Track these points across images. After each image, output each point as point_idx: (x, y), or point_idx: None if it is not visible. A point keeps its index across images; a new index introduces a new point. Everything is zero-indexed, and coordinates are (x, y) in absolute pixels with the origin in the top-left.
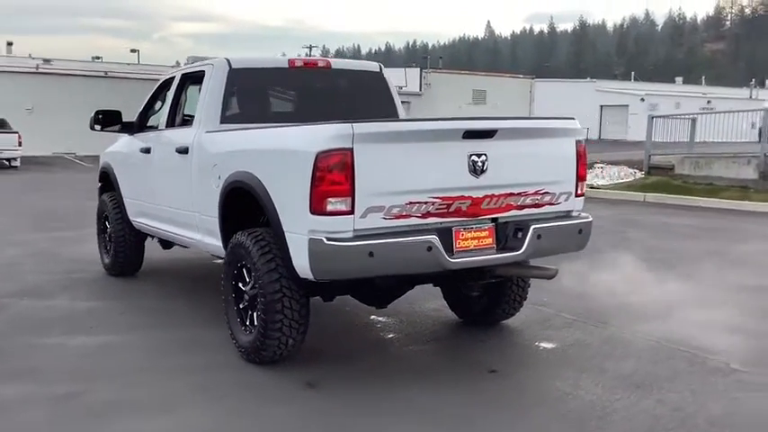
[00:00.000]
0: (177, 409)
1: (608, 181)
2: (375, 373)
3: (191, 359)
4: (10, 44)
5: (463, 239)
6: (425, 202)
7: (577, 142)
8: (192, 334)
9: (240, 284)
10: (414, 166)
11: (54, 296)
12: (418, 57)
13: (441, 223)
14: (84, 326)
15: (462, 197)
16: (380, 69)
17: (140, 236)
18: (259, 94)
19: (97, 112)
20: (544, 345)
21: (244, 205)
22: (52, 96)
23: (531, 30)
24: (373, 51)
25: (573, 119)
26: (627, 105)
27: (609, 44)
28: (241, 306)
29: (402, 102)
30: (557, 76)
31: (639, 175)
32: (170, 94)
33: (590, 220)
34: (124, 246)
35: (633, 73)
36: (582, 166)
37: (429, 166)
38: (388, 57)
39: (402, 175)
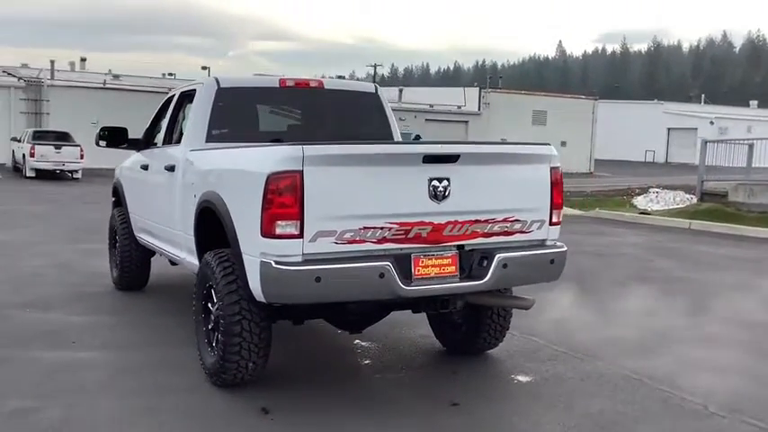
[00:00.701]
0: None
1: (662, 206)
2: (336, 402)
3: (152, 379)
4: (83, 60)
5: (423, 267)
6: (381, 228)
7: (553, 169)
8: (164, 354)
9: (209, 305)
10: (369, 190)
11: (56, 309)
12: (486, 76)
13: (399, 249)
14: (68, 340)
15: (422, 223)
16: (376, 90)
17: (146, 251)
18: (247, 113)
19: (102, 129)
20: (520, 378)
21: (215, 225)
22: (118, 111)
23: (604, 50)
24: (442, 70)
25: (548, 144)
26: (695, 128)
27: (684, 65)
28: (210, 327)
29: (459, 121)
30: (628, 98)
31: (694, 201)
32: (169, 112)
33: (564, 250)
34: (130, 261)
35: (703, 95)
36: (557, 193)
37: (386, 190)
38: (456, 76)
39: (356, 199)
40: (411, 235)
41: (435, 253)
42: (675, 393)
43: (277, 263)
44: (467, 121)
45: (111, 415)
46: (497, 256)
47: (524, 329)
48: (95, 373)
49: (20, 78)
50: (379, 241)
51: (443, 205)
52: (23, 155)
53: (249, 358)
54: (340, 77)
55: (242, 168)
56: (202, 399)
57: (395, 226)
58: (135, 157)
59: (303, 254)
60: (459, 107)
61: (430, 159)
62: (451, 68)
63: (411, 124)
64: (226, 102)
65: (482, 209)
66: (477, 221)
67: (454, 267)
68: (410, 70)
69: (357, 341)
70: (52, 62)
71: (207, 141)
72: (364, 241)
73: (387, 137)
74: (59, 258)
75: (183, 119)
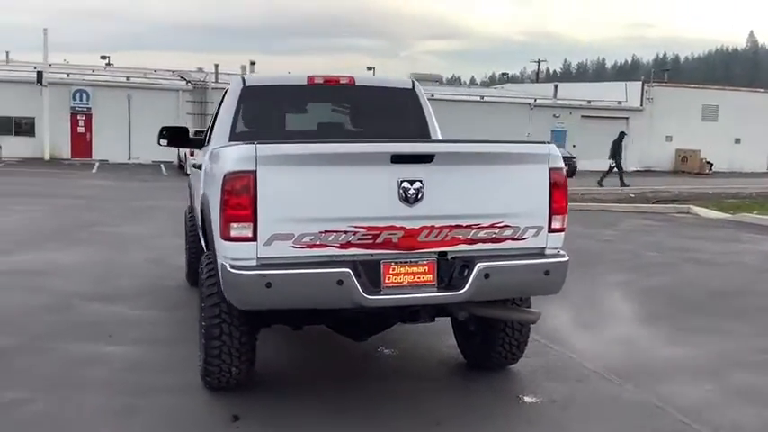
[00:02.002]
0: (84, 429)
1: None
2: (312, 414)
3: (151, 378)
4: (253, 63)
5: (394, 274)
6: (345, 232)
7: (552, 170)
8: (184, 352)
9: None
10: (331, 192)
11: (121, 301)
12: (664, 70)
13: (369, 255)
14: (106, 334)
15: (392, 227)
16: (413, 86)
17: None
18: (274, 112)
19: (162, 129)
20: (527, 398)
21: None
22: None
23: None
24: (618, 64)
25: (545, 143)
26: None
27: None
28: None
29: (618, 118)
30: None
31: None
32: (215, 112)
33: (563, 260)
34: (194, 256)
35: None
36: (559, 197)
37: (350, 192)
38: (633, 70)
39: (316, 201)
40: (380, 240)
41: (409, 260)
42: (695, 427)
43: (232, 266)
44: (627, 118)
45: (90, 413)
46: (478, 264)
47: (567, 345)
48: (105, 368)
49: (188, 81)
50: (343, 246)
51: (416, 209)
52: (184, 153)
53: (231, 362)
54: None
55: (213, 168)
56: (185, 401)
57: (361, 230)
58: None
59: (257, 258)
60: (620, 103)
61: (399, 159)
62: (629, 62)
63: (566, 121)
64: (251, 100)
65: (464, 213)
66: (458, 227)
67: (431, 276)
68: (584, 65)
69: (381, 348)
70: (216, 66)
71: (230, 140)
72: (326, 246)
73: (423, 135)
74: (160, 252)
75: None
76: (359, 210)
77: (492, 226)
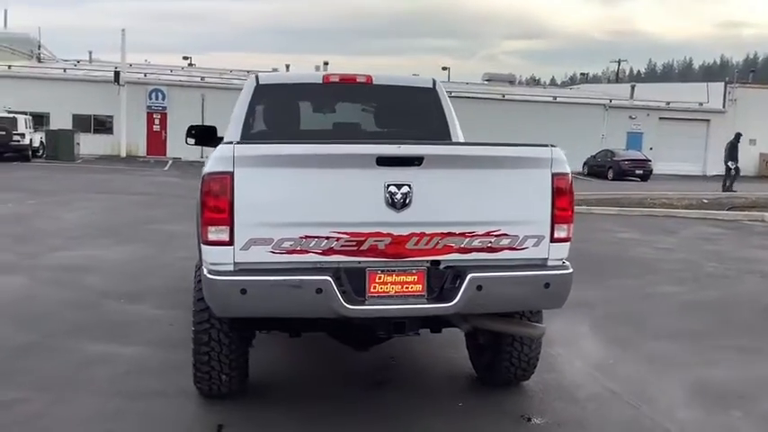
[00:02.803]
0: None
1: None
2: (299, 427)
3: (151, 382)
4: (326, 64)
5: (380, 283)
6: (327, 238)
7: (555, 175)
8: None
9: None
10: (312, 195)
11: (147, 300)
12: (753, 70)
13: (356, 262)
14: (123, 334)
15: (378, 234)
16: (434, 85)
17: None
18: (288, 111)
19: (190, 127)
20: (533, 419)
21: None
22: None
23: None
24: (706, 64)
25: (547, 146)
26: None
27: None
28: None
29: (699, 120)
30: None
31: None
32: None
33: (566, 272)
34: None
35: None
36: (562, 203)
37: (333, 196)
38: (721, 71)
39: (296, 205)
40: (365, 247)
41: (397, 268)
42: None
43: (209, 271)
44: (708, 120)
45: (78, 416)
46: (470, 275)
47: (590, 360)
48: (109, 370)
49: None
50: (326, 252)
51: (404, 215)
52: None
53: (221, 370)
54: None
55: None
56: (176, 407)
57: (344, 236)
58: None
59: (234, 263)
60: (701, 104)
61: (385, 162)
62: (718, 62)
63: (642, 123)
64: (264, 99)
65: (456, 220)
66: (450, 234)
67: (421, 286)
68: (670, 65)
69: (390, 358)
70: (287, 66)
71: (242, 140)
72: (307, 251)
73: (443, 136)
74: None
75: None
76: (342, 215)
77: (488, 234)
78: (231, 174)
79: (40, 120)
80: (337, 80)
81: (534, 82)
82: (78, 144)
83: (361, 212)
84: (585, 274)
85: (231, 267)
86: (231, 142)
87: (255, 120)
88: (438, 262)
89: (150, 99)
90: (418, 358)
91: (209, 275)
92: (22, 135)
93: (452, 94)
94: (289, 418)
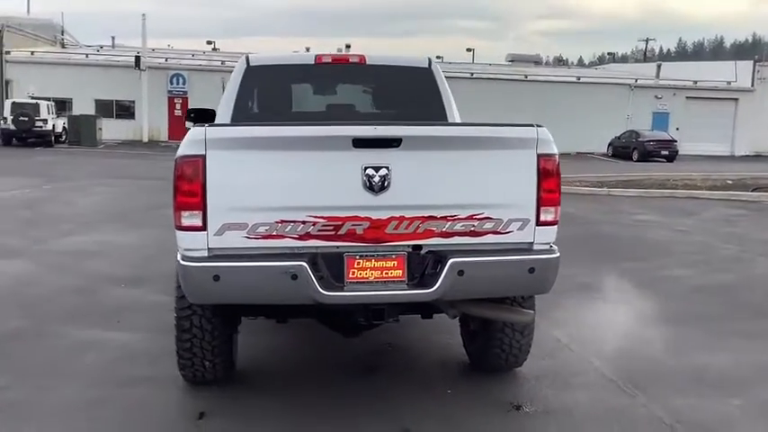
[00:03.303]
0: (47, 419)
1: None
2: (281, 413)
3: (139, 369)
4: (348, 47)
5: (359, 269)
6: (303, 222)
7: (541, 156)
8: None
9: None
10: (287, 178)
11: (147, 285)
12: None
13: (334, 247)
14: (115, 320)
15: (356, 218)
16: (429, 65)
17: None
18: (279, 93)
19: (189, 111)
20: (524, 407)
21: None
22: None
23: None
24: (738, 42)
25: (532, 125)
26: None
27: None
28: None
29: (726, 99)
30: None
31: None
32: None
33: (552, 257)
34: None
35: None
36: (549, 185)
37: (308, 179)
38: (753, 49)
39: (271, 188)
40: (343, 231)
41: (376, 254)
42: None
43: (183, 257)
44: (736, 99)
45: (60, 404)
46: (451, 260)
47: (590, 346)
48: (97, 356)
49: None
50: (302, 237)
51: (382, 198)
52: None
53: (204, 357)
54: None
55: None
56: (159, 394)
57: (321, 220)
58: None
59: (208, 248)
60: (729, 83)
61: (362, 144)
62: (750, 40)
63: (669, 103)
64: (255, 81)
65: (437, 203)
66: (431, 218)
67: (401, 272)
68: (700, 43)
69: (391, 342)
70: (307, 49)
71: (232, 123)
72: (283, 237)
73: (439, 117)
74: None
75: None
76: (319, 198)
77: (470, 218)
78: (203, 157)
79: (63, 105)
80: (330, 61)
81: (560, 62)
82: (100, 129)
83: (338, 196)
84: (597, 257)
85: (205, 253)
86: (204, 125)
87: (246, 102)
88: (419, 246)
89: (171, 84)
90: (413, 343)
91: (182, 261)
92: (45, 121)
93: (474, 75)
94: (274, 404)
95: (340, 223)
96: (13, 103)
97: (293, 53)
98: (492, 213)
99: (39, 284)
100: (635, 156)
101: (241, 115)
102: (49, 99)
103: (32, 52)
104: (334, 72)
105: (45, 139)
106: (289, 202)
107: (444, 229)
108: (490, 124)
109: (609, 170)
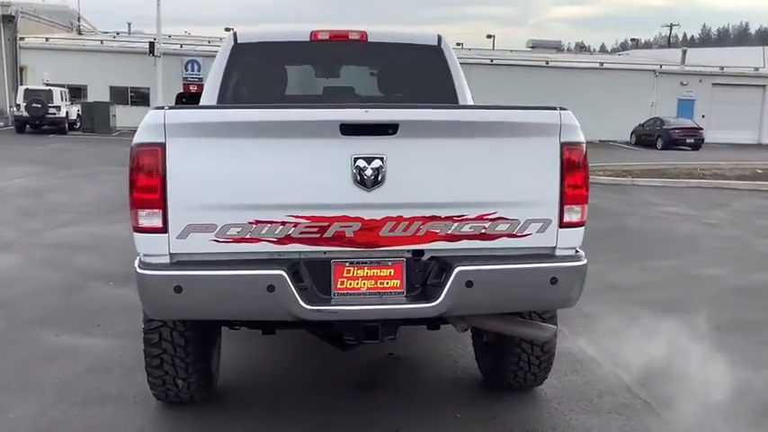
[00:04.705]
0: None
1: None
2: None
3: (109, 383)
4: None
5: (349, 278)
6: (282, 223)
7: (565, 145)
8: None
9: None
10: (264, 171)
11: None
12: None
13: (318, 253)
14: (96, 323)
15: (345, 218)
16: (439, 42)
17: None
18: (270, 74)
19: (179, 95)
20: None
21: None
22: None
23: None
24: (763, 28)
25: (554, 108)
26: None
27: None
28: None
29: (754, 86)
30: None
31: None
32: None
33: (579, 264)
34: None
35: None
36: (575, 180)
37: (289, 172)
38: None
39: (244, 183)
40: (329, 234)
41: (370, 260)
42: None
43: (140, 264)
44: (764, 86)
45: (10, 426)
46: (457, 268)
47: (622, 360)
48: (68, 367)
49: None
50: (281, 241)
51: (376, 194)
52: None
53: (177, 375)
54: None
55: None
56: (124, 416)
57: (303, 221)
58: None
59: (170, 254)
60: (756, 69)
61: (352, 130)
62: None
63: (694, 90)
64: (243, 60)
65: (441, 200)
66: (433, 218)
67: (399, 281)
68: (725, 30)
69: (393, 353)
70: None
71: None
72: (258, 240)
73: (449, 100)
74: None
75: None
76: (301, 195)
77: (481, 218)
78: (162, 145)
79: (77, 92)
80: (327, 38)
81: (582, 49)
82: (114, 116)
83: (323, 192)
84: (624, 254)
85: (166, 259)
86: (162, 107)
87: (233, 84)
88: (420, 252)
89: (186, 70)
90: (417, 355)
91: (138, 269)
92: (58, 108)
93: (494, 62)
94: (256, 426)
95: (326, 224)
96: (27, 90)
97: (287, 29)
98: (506, 213)
99: (22, 281)
100: (659, 144)
101: (228, 100)
102: (63, 86)
103: (47, 38)
104: (331, 50)
105: (59, 127)
106: (265, 200)
107: (450, 232)
108: (504, 107)
109: (633, 159)
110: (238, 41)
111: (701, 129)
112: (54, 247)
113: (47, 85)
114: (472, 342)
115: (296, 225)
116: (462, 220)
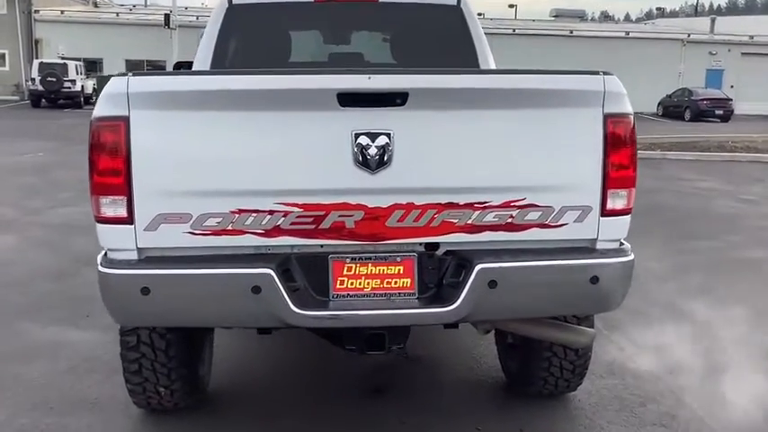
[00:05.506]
0: None
1: None
2: None
3: (88, 384)
4: None
5: (350, 277)
6: (270, 212)
7: (609, 117)
8: None
9: None
10: (247, 150)
11: None
12: None
13: (313, 247)
14: (88, 314)
15: (345, 206)
16: (458, 2)
17: None
18: (269, 39)
19: (176, 65)
20: None
21: None
22: None
23: None
24: None
25: (597, 73)
26: None
27: None
28: None
29: None
30: None
31: None
32: None
33: (624, 260)
34: None
35: None
36: (620, 158)
37: (277, 151)
38: None
39: (225, 164)
40: (326, 225)
41: (375, 256)
42: None
43: (102, 261)
44: None
45: None
46: (478, 266)
47: (665, 359)
48: (48, 365)
49: None
50: (269, 233)
51: (382, 178)
52: None
53: (158, 381)
54: None
55: None
56: (101, 425)
57: (295, 209)
58: None
59: (138, 248)
60: None
61: (352, 100)
62: None
63: (723, 59)
64: (239, 24)
65: (459, 184)
66: (450, 206)
67: (409, 280)
68: None
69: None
70: None
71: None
72: (242, 232)
73: (470, 64)
74: None
75: None
76: (291, 179)
77: (507, 205)
78: (126, 119)
79: (93, 66)
80: None
81: (606, 17)
82: None
83: (319, 175)
84: (660, 235)
85: (133, 255)
86: (126, 74)
87: (227, 52)
88: (434, 245)
89: None
90: (434, 353)
91: (100, 267)
92: (73, 81)
93: (516, 32)
94: None
95: (322, 213)
96: (41, 63)
97: None
98: (537, 199)
99: (15, 265)
100: (687, 115)
101: (219, 65)
102: (78, 59)
103: (62, 11)
104: (339, 12)
105: (74, 101)
106: (250, 184)
107: (470, 222)
108: (536, 71)
109: (661, 131)
110: (233, 2)
111: (731, 100)
112: (52, 228)
113: (62, 58)
114: (495, 342)
115: (286, 214)
116: (485, 207)
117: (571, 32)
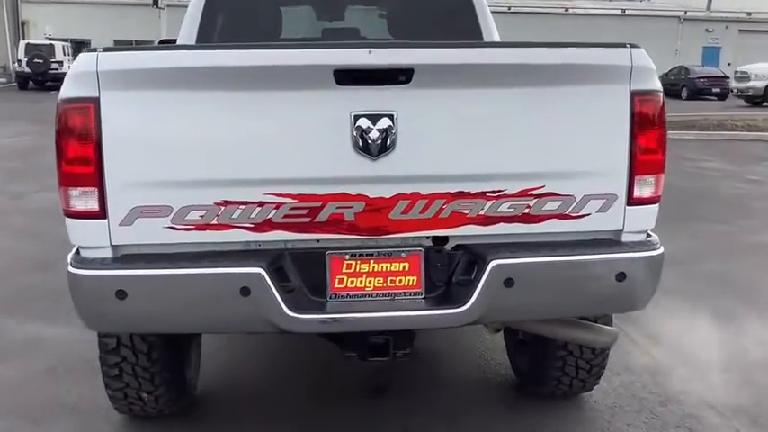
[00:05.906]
0: None
1: None
2: None
3: (68, 387)
4: None
5: (350, 274)
6: (260, 204)
7: (636, 95)
8: None
9: None
10: (234, 135)
11: None
12: None
13: (309, 242)
14: (69, 309)
15: (344, 196)
16: None
17: None
18: (259, 12)
19: (160, 42)
20: None
21: None
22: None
23: None
24: None
25: (624, 45)
26: None
27: None
28: None
29: None
30: None
31: None
32: None
33: (654, 254)
34: None
35: None
36: (648, 141)
37: (266, 136)
38: None
39: (208, 151)
40: (323, 217)
41: (377, 251)
42: None
43: (72, 261)
44: None
45: None
46: (492, 262)
47: (684, 352)
48: (25, 367)
49: None
50: (259, 227)
51: (385, 164)
52: None
53: (140, 386)
54: None
55: None
56: (78, 429)
57: (287, 201)
58: None
59: (112, 246)
60: None
61: (351, 78)
62: None
63: (720, 37)
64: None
65: (469, 171)
66: (460, 195)
67: (416, 278)
68: None
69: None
70: None
71: None
72: (229, 227)
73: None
74: None
75: None
76: (283, 166)
77: (523, 194)
78: (96, 100)
79: (80, 47)
80: None
81: None
82: None
83: (314, 162)
84: (668, 217)
85: (107, 253)
86: (95, 49)
87: (214, 26)
88: (443, 239)
89: None
90: (440, 350)
91: (70, 267)
92: (60, 63)
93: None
94: None
95: (319, 204)
96: (28, 45)
97: None
98: (557, 187)
99: None
100: (684, 94)
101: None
102: (66, 40)
103: None
104: None
105: (62, 82)
106: (237, 173)
107: (482, 213)
108: (556, 44)
109: None
110: None
111: (728, 78)
112: (36, 214)
113: (49, 39)
114: (504, 338)
115: (278, 206)
116: (499, 196)
117: (566, 10)
